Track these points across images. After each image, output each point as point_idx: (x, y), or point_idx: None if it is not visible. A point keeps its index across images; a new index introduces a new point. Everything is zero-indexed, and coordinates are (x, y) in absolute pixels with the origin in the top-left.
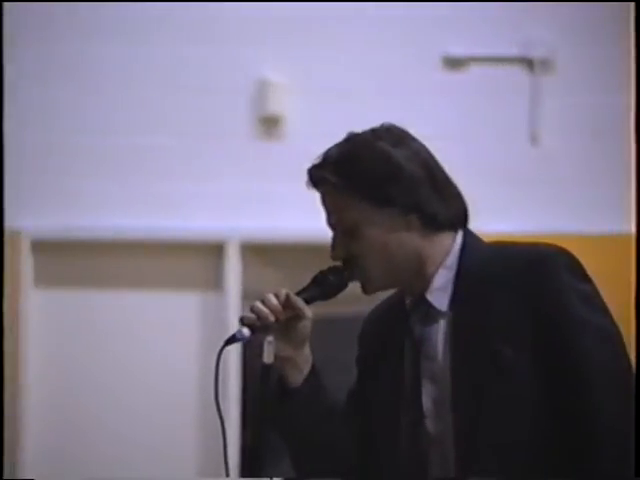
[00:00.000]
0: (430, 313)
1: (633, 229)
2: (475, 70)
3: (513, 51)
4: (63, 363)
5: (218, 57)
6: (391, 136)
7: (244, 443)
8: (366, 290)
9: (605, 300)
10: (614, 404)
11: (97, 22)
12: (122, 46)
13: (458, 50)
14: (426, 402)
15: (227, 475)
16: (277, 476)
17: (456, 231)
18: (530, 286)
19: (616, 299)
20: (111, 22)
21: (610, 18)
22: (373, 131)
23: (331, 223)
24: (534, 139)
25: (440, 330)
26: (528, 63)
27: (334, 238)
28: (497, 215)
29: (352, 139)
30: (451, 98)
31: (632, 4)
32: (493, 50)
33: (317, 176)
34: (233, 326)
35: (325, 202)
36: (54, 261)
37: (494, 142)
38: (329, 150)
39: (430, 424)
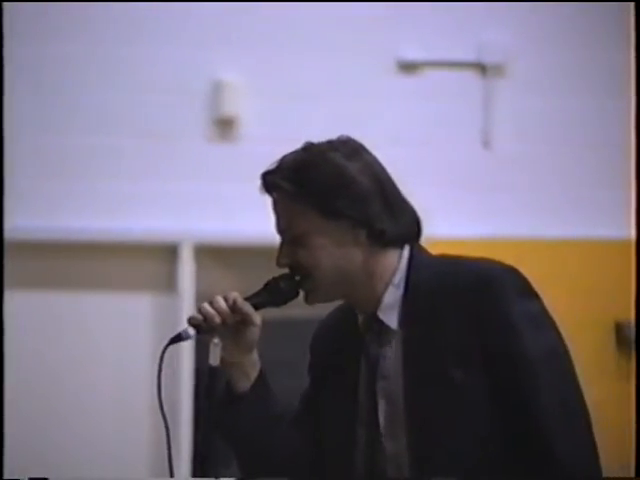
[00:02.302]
0: (383, 331)
1: (581, 233)
2: (429, 74)
3: (467, 56)
4: (15, 363)
5: (173, 58)
6: (346, 148)
7: (196, 444)
8: (309, 300)
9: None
10: (563, 421)
11: (54, 23)
12: (78, 47)
13: (412, 54)
14: (382, 421)
15: (171, 476)
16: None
17: (403, 247)
18: (479, 307)
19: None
20: (68, 23)
21: (564, 22)
22: (329, 142)
23: (280, 230)
24: (486, 143)
25: (394, 349)
26: (481, 68)
27: (281, 245)
28: (448, 219)
29: (308, 148)
30: (405, 102)
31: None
32: (447, 55)
33: (270, 182)
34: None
35: (276, 208)
36: (6, 262)
37: (447, 146)
38: (285, 157)
39: (387, 443)
